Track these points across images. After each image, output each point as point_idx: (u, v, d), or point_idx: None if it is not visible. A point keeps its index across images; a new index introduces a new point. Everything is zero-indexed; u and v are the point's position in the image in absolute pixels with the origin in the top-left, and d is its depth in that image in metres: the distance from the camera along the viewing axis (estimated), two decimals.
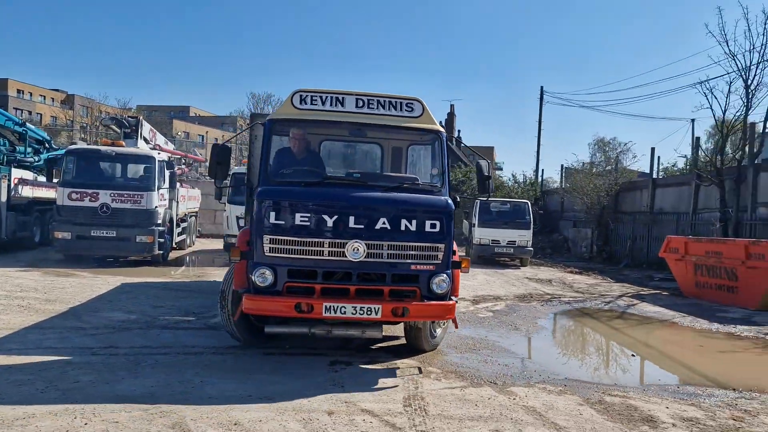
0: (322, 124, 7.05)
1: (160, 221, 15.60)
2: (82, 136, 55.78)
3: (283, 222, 6.25)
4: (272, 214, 6.26)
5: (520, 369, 7.05)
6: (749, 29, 16.85)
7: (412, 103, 6.98)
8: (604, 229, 23.80)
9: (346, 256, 6.20)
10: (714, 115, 17.26)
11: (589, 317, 11.08)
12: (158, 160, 15.88)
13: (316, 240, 6.22)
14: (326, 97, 6.81)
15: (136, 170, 16.24)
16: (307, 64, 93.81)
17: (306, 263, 6.25)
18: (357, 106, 6.83)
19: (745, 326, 10.37)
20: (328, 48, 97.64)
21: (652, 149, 23.01)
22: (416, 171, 8.12)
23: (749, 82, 16.42)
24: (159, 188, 15.69)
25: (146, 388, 5.60)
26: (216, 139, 61.73)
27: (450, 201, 6.59)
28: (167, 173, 16.41)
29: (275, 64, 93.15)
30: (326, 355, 7.17)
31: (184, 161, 25.98)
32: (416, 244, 6.36)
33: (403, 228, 6.31)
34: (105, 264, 14.93)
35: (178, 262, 16.95)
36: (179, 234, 18.82)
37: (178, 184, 17.86)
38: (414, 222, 6.34)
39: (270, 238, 6.22)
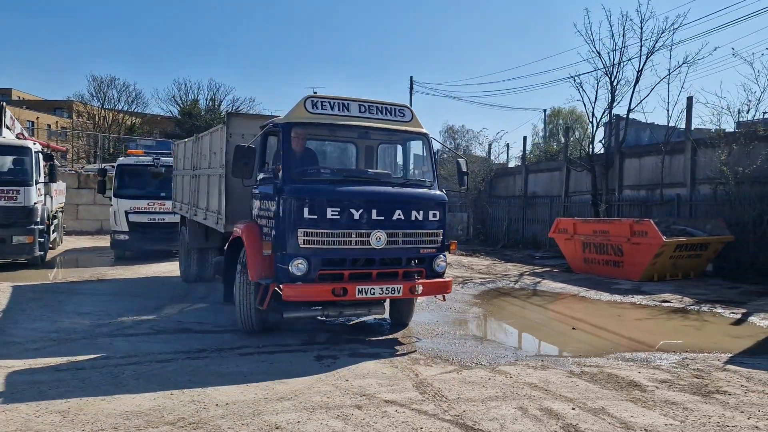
0: (336, 128, 7.74)
1: (38, 219, 14.10)
2: None
3: (316, 216, 6.89)
4: (306, 210, 6.87)
5: (491, 350, 7.49)
6: (612, 31, 18.80)
7: (403, 110, 7.93)
8: (480, 212, 25.33)
9: (370, 244, 7.04)
10: (585, 107, 19.01)
11: (510, 296, 11.89)
12: (35, 151, 14.29)
13: (346, 231, 6.97)
14: (334, 102, 7.54)
15: (3, 162, 14.48)
16: (148, 46, 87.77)
17: (337, 252, 7.00)
18: (360, 111, 7.64)
19: (640, 296, 11.74)
20: (176, 30, 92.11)
21: (524, 138, 24.80)
22: (386, 166, 9.22)
23: (613, 78, 18.30)
24: (37, 182, 14.15)
25: (151, 402, 5.22)
26: (49, 125, 56.09)
27: (444, 194, 7.76)
28: (44, 165, 14.85)
29: (113, 47, 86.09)
30: (305, 351, 7.13)
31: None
32: (423, 231, 7.41)
33: (413, 218, 7.32)
34: None
35: (58, 263, 15.41)
36: (52, 232, 17.11)
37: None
38: (421, 212, 7.39)
39: (304, 231, 6.86)
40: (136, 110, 55.49)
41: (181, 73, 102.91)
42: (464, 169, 8.60)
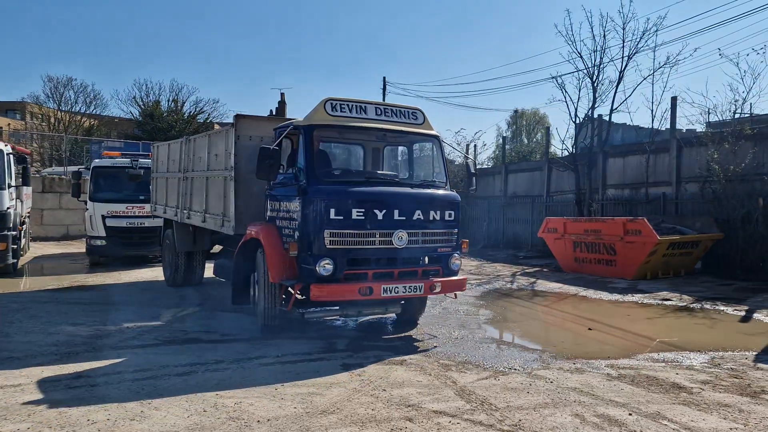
0: (355, 130, 7.77)
1: (11, 225, 13.33)
2: None
3: (342, 217, 6.90)
4: (332, 211, 6.87)
5: (518, 353, 7.30)
6: (593, 32, 18.95)
7: (416, 112, 8.03)
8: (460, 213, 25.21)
9: (392, 244, 7.14)
10: (568, 107, 19.11)
11: (512, 297, 11.74)
12: (6, 153, 13.49)
13: (370, 231, 7.02)
14: (352, 105, 7.57)
15: None
16: (107, 46, 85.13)
17: (362, 252, 7.05)
18: (376, 114, 7.71)
19: (639, 294, 11.75)
20: (137, 29, 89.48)
21: (503, 138, 24.83)
22: (391, 168, 9.33)
23: (594, 79, 18.42)
24: (9, 186, 13.36)
25: (185, 420, 4.83)
26: (0, 127, 53.79)
27: (458, 195, 7.96)
28: (17, 168, 14.07)
29: (69, 47, 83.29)
30: (328, 359, 6.83)
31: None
32: (440, 230, 7.55)
33: (431, 218, 7.45)
34: None
35: (31, 271, 14.61)
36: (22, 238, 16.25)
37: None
38: (438, 212, 7.53)
39: (330, 232, 6.87)
40: (94, 112, 53.78)
41: (141, 74, 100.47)
42: (473, 170, 8.79)
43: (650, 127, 17.56)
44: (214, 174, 9.19)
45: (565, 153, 20.36)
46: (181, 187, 10.77)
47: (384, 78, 34.84)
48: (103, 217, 15.25)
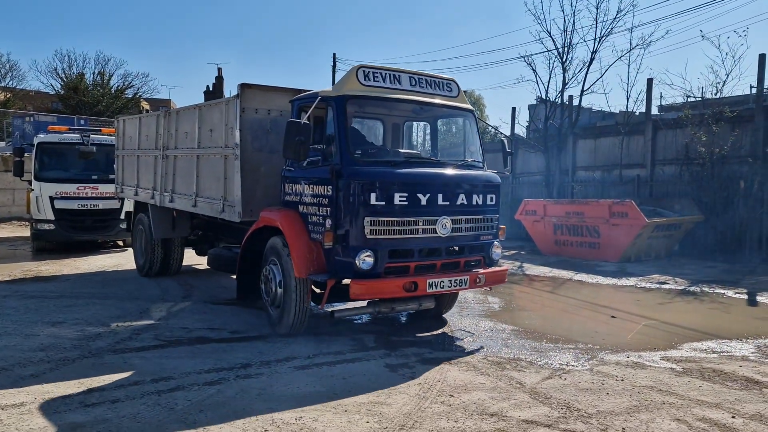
0: (391, 102, 6.98)
1: None
2: None
3: (383, 203, 6.10)
4: (373, 196, 6.07)
5: (560, 346, 6.86)
6: (563, 10, 18.73)
7: (450, 83, 7.29)
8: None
9: (436, 232, 6.41)
10: (538, 88, 18.90)
11: (508, 282, 11.29)
12: None
13: (414, 219, 6.26)
14: (386, 74, 6.74)
15: None
16: (24, 13, 78.64)
17: (404, 242, 6.27)
18: (411, 85, 6.90)
19: (634, 278, 11.61)
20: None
21: None
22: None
23: (564, 59, 18.25)
24: None
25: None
26: None
27: (498, 176, 7.27)
28: None
29: None
30: (367, 359, 6.15)
31: None
32: (483, 216, 6.87)
33: (474, 203, 6.75)
34: None
35: None
36: None
37: None
38: (481, 196, 6.83)
39: (371, 220, 6.07)
40: (11, 84, 49.54)
41: (64, 44, 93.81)
42: (509, 149, 8.11)
43: (618, 112, 17.53)
44: (208, 152, 8.18)
45: (522, 134, 20.18)
46: (160, 167, 9.63)
47: (334, 54, 33.79)
48: (51, 199, 13.75)
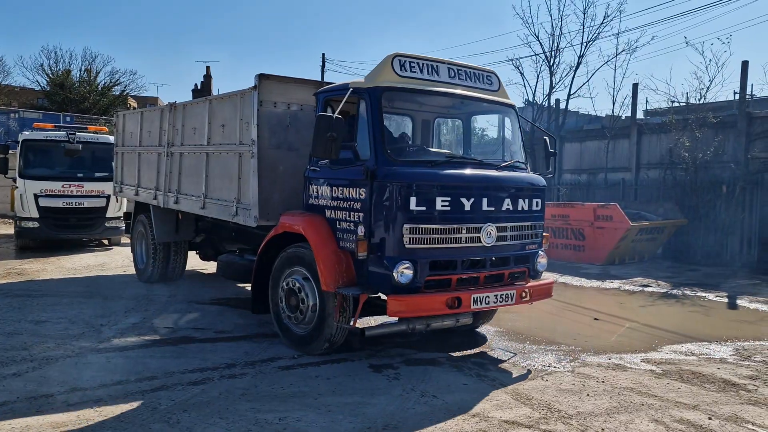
0: (430, 95, 6.35)
1: None
2: None
3: (424, 208, 5.53)
4: (413, 200, 5.47)
5: (543, 348, 6.94)
6: (551, 15, 18.89)
7: (490, 76, 6.75)
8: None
9: (480, 241, 5.83)
10: (526, 91, 19.03)
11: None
12: None
13: (458, 226, 5.69)
14: (423, 64, 6.14)
15: None
16: (11, 8, 77.86)
17: (446, 253, 5.68)
18: (449, 76, 6.33)
19: (617, 281, 11.75)
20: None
21: None
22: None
23: (552, 63, 18.39)
24: None
25: None
26: None
27: (543, 178, 6.69)
28: None
29: None
30: (348, 359, 6.15)
31: None
32: (528, 223, 6.31)
33: (519, 208, 6.18)
34: None
35: None
36: None
37: None
38: (527, 201, 6.27)
39: (410, 228, 5.48)
40: None
41: (51, 40, 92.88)
42: (551, 149, 7.28)
43: (604, 115, 17.71)
44: (220, 149, 7.81)
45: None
46: (164, 165, 9.33)
47: (323, 54, 33.76)
48: (36, 197, 13.65)
